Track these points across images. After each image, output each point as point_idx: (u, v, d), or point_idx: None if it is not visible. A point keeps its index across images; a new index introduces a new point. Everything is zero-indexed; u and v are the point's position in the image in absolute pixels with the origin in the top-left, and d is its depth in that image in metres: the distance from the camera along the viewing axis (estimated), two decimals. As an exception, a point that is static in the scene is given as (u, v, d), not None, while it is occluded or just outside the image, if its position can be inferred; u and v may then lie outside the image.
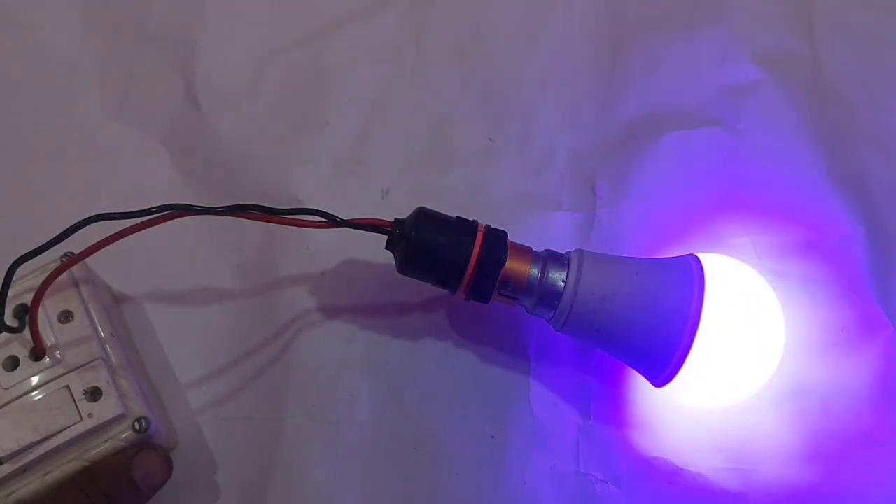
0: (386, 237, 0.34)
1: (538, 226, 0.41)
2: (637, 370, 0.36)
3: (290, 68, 0.45)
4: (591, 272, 0.33)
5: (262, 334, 0.40)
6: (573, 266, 0.34)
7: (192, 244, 0.41)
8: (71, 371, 0.34)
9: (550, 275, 0.34)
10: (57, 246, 0.31)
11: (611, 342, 0.35)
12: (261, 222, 0.33)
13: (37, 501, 0.33)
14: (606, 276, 0.34)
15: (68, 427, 0.33)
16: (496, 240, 0.34)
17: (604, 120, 0.43)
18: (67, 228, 0.30)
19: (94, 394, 0.34)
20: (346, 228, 0.34)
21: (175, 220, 0.32)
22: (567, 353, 0.39)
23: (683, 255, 0.35)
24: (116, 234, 0.31)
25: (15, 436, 0.32)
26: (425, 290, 0.37)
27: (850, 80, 0.44)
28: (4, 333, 0.33)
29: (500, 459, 0.38)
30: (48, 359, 0.34)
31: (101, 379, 0.34)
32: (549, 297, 0.34)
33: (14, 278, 0.31)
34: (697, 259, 0.34)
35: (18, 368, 0.34)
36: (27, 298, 0.33)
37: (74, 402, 0.33)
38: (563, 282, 0.34)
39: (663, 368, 0.33)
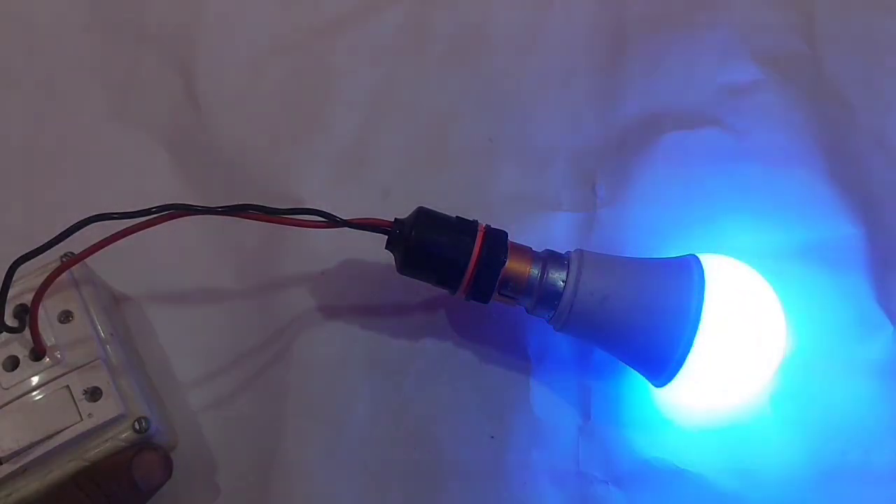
0: (386, 237, 0.34)
1: (538, 226, 0.41)
2: (637, 370, 0.36)
3: (290, 68, 0.45)
4: (591, 272, 0.33)
5: (262, 334, 0.40)
6: (573, 266, 0.34)
7: (192, 244, 0.41)
8: (71, 371, 0.34)
9: (550, 275, 0.34)
10: (57, 246, 0.31)
11: (611, 342, 0.35)
12: (261, 222, 0.33)
13: (37, 501, 0.33)
14: (606, 276, 0.34)
15: (68, 427, 0.33)
16: (496, 240, 0.34)
17: (604, 120, 0.43)
18: (67, 228, 0.30)
19: (94, 394, 0.34)
20: (346, 228, 0.34)
21: (175, 220, 0.32)
22: (567, 353, 0.39)
23: (683, 256, 0.35)
24: (116, 234, 0.31)
25: (15, 436, 0.32)
26: (425, 290, 0.37)
27: (850, 80, 0.44)
28: (4, 333, 0.33)
29: (500, 459, 0.38)
30: (48, 359, 0.34)
31: (101, 379, 0.34)
32: (549, 297, 0.34)
33: (14, 278, 0.31)
34: (697, 259, 0.34)
35: (18, 368, 0.34)
36: (27, 298, 0.33)
37: (74, 402, 0.33)
38: (563, 282, 0.34)
39: (663, 368, 0.33)
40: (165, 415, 0.38)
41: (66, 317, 0.35)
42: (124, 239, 0.31)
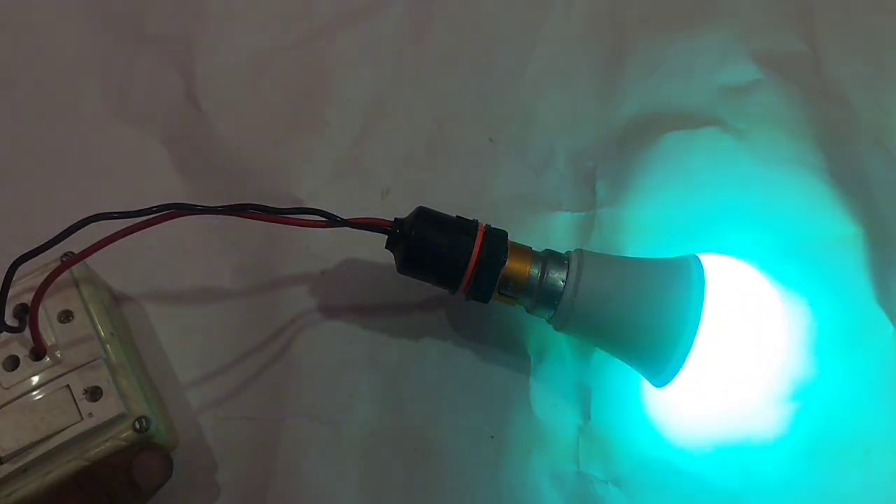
0: (386, 237, 0.34)
1: (538, 226, 0.42)
2: (637, 370, 0.36)
3: (290, 68, 0.45)
4: (591, 272, 0.33)
5: (262, 334, 0.40)
6: (573, 266, 0.34)
7: (192, 244, 0.41)
8: (71, 370, 0.34)
9: (550, 274, 0.34)
10: (57, 246, 0.31)
11: (611, 342, 0.35)
12: (261, 222, 0.33)
13: (37, 501, 0.33)
14: (606, 276, 0.34)
15: (69, 427, 0.33)
16: (496, 239, 0.34)
17: (604, 120, 0.43)
18: (67, 228, 0.30)
19: (94, 393, 0.34)
20: (346, 228, 0.34)
21: (175, 220, 0.32)
22: (567, 353, 0.39)
23: (683, 256, 0.35)
24: (116, 233, 0.31)
25: (15, 435, 0.32)
26: (425, 290, 0.37)
27: (850, 80, 0.44)
28: (5, 333, 0.33)
29: (500, 459, 0.38)
30: (48, 358, 0.34)
31: (101, 378, 0.34)
32: (549, 297, 0.34)
33: (14, 278, 0.31)
34: (698, 259, 0.34)
35: (19, 368, 0.34)
36: (27, 298, 0.33)
37: (75, 401, 0.33)
38: (563, 281, 0.34)
39: (663, 368, 0.33)
40: (165, 415, 0.38)
41: (66, 316, 0.35)
42: (124, 239, 0.31)
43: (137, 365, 0.37)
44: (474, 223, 0.34)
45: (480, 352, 0.40)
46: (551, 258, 0.34)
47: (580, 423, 0.38)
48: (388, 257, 0.35)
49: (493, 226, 0.35)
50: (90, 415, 0.33)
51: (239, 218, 0.33)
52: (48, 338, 0.34)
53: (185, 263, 0.41)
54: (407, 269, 0.35)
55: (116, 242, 0.31)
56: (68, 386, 0.34)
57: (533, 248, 0.35)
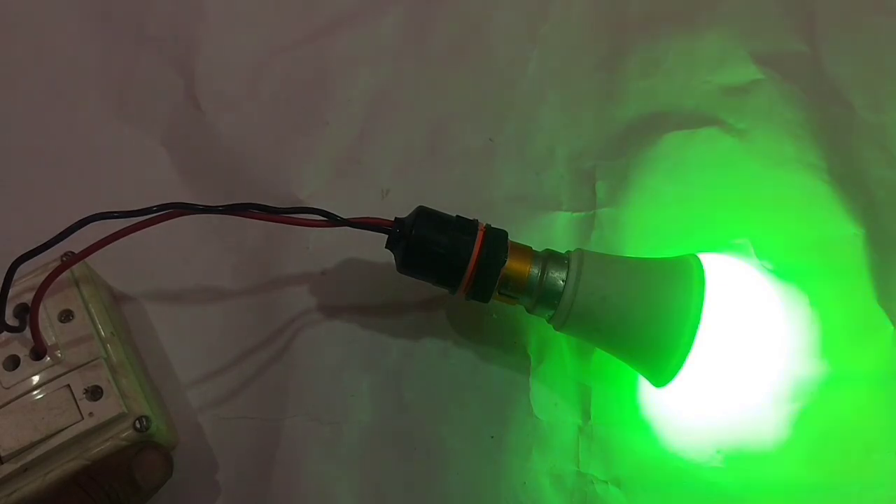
0: (386, 236, 0.34)
1: (538, 226, 0.42)
2: (637, 370, 0.36)
3: (290, 68, 0.45)
4: (592, 272, 0.33)
5: (262, 334, 0.40)
6: (573, 266, 0.34)
7: (192, 244, 0.41)
8: (72, 370, 0.34)
9: (550, 274, 0.34)
10: (57, 245, 0.31)
11: (611, 342, 0.35)
12: (261, 222, 0.33)
13: (38, 500, 0.33)
14: (606, 276, 0.34)
15: (69, 426, 0.33)
16: (496, 239, 0.34)
17: (604, 120, 0.43)
18: (67, 228, 0.30)
19: (94, 393, 0.34)
20: (346, 228, 0.34)
21: (175, 219, 0.32)
22: (567, 353, 0.39)
23: (683, 255, 0.35)
24: (116, 233, 0.31)
25: (16, 435, 0.33)
26: (425, 290, 0.37)
27: (850, 80, 0.44)
28: (5, 333, 0.33)
29: (500, 459, 0.38)
30: (49, 358, 0.34)
31: (101, 378, 0.34)
32: (549, 297, 0.34)
33: (14, 278, 0.31)
34: (697, 259, 0.34)
35: (19, 368, 0.34)
36: (27, 298, 0.34)
37: (75, 401, 0.33)
38: (563, 281, 0.34)
39: (664, 369, 0.33)
40: (166, 414, 0.38)
41: (66, 316, 0.35)
42: (124, 238, 0.31)
43: (137, 365, 0.38)
44: (474, 223, 0.35)
45: (480, 352, 0.40)
46: (551, 258, 0.34)
47: (580, 423, 0.38)
48: (388, 257, 0.35)
49: (493, 226, 0.35)
50: (90, 414, 0.33)
51: (239, 218, 0.33)
52: (48, 337, 0.34)
53: (185, 263, 0.41)
54: (407, 269, 0.35)
55: (116, 242, 0.31)
56: (69, 385, 0.34)
57: (533, 248, 0.35)
